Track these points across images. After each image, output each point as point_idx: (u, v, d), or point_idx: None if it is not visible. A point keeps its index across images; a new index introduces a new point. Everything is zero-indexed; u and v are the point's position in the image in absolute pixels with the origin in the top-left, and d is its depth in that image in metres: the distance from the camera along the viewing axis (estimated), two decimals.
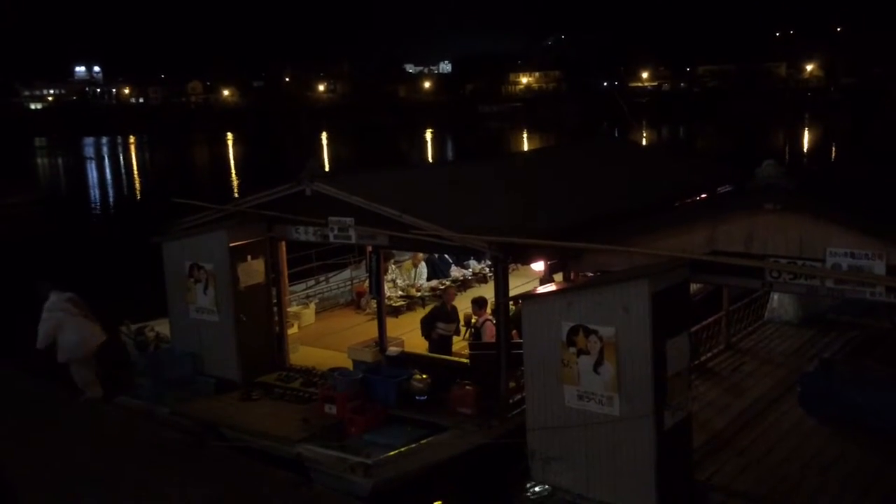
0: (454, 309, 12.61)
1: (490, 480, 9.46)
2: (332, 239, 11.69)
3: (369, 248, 13.89)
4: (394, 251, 15.35)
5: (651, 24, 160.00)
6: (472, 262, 16.59)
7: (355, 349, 11.93)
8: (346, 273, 16.65)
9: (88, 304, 12.09)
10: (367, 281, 14.84)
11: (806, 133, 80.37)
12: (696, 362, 11.36)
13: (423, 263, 16.22)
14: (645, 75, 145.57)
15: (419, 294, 15.39)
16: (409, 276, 16.07)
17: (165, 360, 12.16)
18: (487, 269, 16.13)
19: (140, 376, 11.91)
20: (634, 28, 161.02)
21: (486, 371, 10.34)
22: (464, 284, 16.12)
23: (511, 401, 10.19)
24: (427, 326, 12.26)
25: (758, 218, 8.05)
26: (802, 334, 13.29)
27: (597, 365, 8.04)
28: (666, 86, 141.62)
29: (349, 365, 11.63)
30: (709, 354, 12.27)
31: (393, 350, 11.68)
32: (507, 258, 10.08)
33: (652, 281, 7.75)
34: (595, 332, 8.00)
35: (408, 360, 11.34)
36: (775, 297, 13.71)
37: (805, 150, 64.34)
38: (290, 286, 15.07)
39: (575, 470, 8.34)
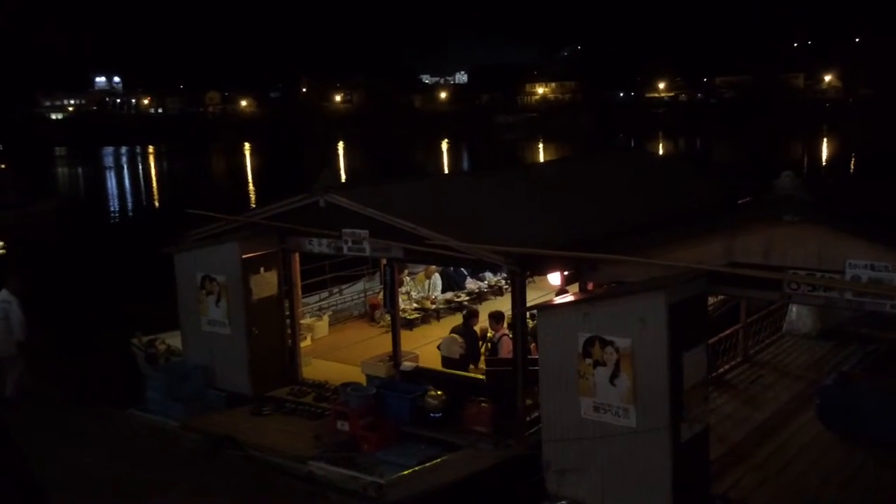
0: (473, 333, 12.22)
1: (506, 501, 9.31)
2: (345, 251, 11.54)
3: (384, 261, 13.81)
4: (408, 263, 15.22)
5: (667, 35, 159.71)
6: (488, 275, 16.40)
7: (369, 363, 11.77)
8: (360, 285, 16.56)
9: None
10: (381, 293, 14.73)
11: (824, 144, 79.86)
12: (714, 374, 11.27)
13: (436, 275, 16.07)
14: (661, 86, 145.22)
15: (434, 307, 15.22)
16: (422, 287, 16.00)
17: (176, 373, 11.98)
18: (504, 282, 15.96)
19: (150, 390, 11.73)
20: (651, 38, 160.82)
21: (502, 388, 10.12)
22: (479, 297, 15.94)
23: (528, 418, 9.91)
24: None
25: (776, 229, 7.99)
26: (821, 347, 13.16)
27: (613, 376, 7.99)
28: (683, 96, 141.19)
29: (362, 379, 11.48)
30: (726, 367, 12.17)
31: (407, 365, 11.46)
32: (523, 271, 9.92)
33: (669, 292, 7.71)
34: (611, 343, 7.96)
35: (422, 376, 11.14)
36: (794, 309, 13.59)
37: (823, 161, 63.93)
38: (303, 298, 14.98)
39: (590, 482, 8.28)
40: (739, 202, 14.75)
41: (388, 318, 14.42)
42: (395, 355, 11.61)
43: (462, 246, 10.05)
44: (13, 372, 11.58)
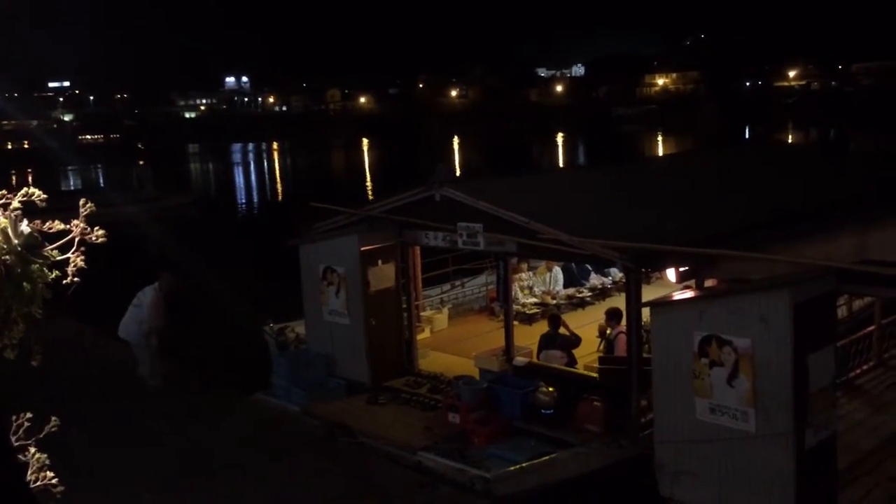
0: (565, 337, 11.82)
1: (618, 503, 9.12)
2: (460, 245, 11.57)
3: None
4: (522, 258, 15.10)
5: (797, 20, 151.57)
6: (613, 270, 15.72)
7: (482, 357, 11.79)
8: (482, 278, 16.54)
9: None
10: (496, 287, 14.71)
11: None
12: (843, 379, 10.62)
13: (557, 269, 15.77)
14: (791, 74, 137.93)
15: (554, 302, 14.93)
16: (543, 281, 15.79)
17: (300, 360, 12.43)
18: None
19: (276, 376, 12.23)
20: (779, 24, 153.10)
21: (616, 387, 9.89)
22: (602, 293, 15.51)
23: (643, 419, 9.62)
24: (538, 352, 11.81)
25: None
26: None
27: (731, 378, 7.67)
28: (815, 85, 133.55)
29: (476, 373, 11.51)
30: (857, 371, 11.45)
31: (520, 360, 11.38)
32: (638, 267, 9.63)
33: (794, 291, 7.32)
34: (729, 342, 7.64)
35: (535, 372, 11.03)
36: None
37: None
38: (424, 290, 15.23)
39: (707, 487, 7.99)
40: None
41: (532, 308, 14.45)
42: (508, 350, 11.60)
43: (574, 240, 9.91)
44: (145, 359, 12.09)
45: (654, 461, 8.40)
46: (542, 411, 10.17)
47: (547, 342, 11.77)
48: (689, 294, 9.12)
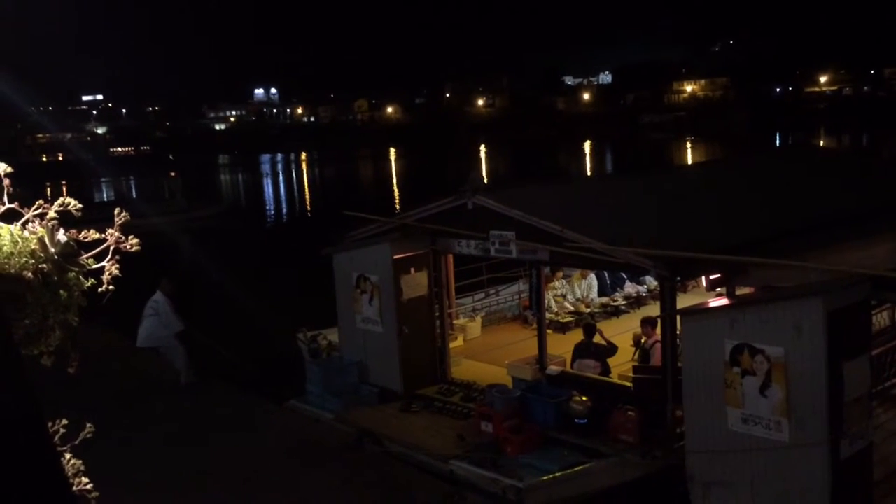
0: (599, 346, 11.73)
1: None
2: (493, 253, 11.54)
3: None
4: (555, 265, 14.99)
5: (828, 24, 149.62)
6: (648, 279, 15.54)
7: (515, 366, 11.72)
8: (516, 286, 16.44)
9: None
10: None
11: None
12: (879, 388, 10.41)
13: (592, 277, 15.67)
14: (823, 80, 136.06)
15: (588, 310, 14.84)
16: (578, 288, 15.65)
17: (333, 368, 12.51)
18: None
19: (309, 383, 12.34)
20: (810, 28, 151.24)
21: (650, 397, 9.77)
22: (637, 301, 15.38)
23: (678, 430, 9.44)
24: (571, 361, 11.74)
25: None
26: None
27: (763, 387, 7.56)
28: (847, 90, 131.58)
29: (510, 381, 11.45)
30: (894, 380, 11.21)
31: (553, 369, 11.31)
32: (673, 276, 9.48)
33: (828, 298, 7.20)
34: (762, 351, 7.54)
35: (568, 381, 10.97)
36: None
37: None
38: (458, 298, 15.25)
39: (739, 498, 7.87)
40: None
41: (566, 317, 14.37)
42: (541, 358, 11.53)
43: (606, 248, 9.84)
44: (177, 360, 12.63)
45: (685, 471, 8.29)
46: (576, 421, 10.09)
47: (581, 351, 11.70)
48: (721, 302, 9.02)
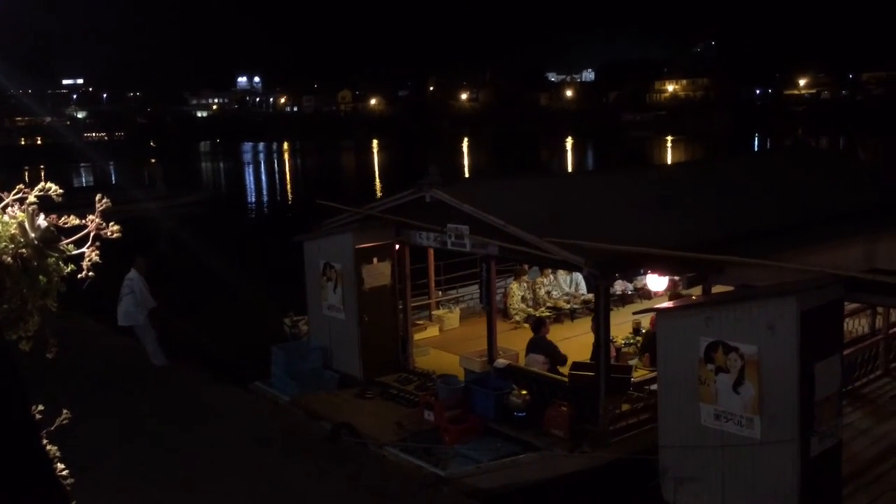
0: (550, 344, 11.79)
1: None
2: (449, 246, 11.75)
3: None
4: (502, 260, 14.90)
5: (808, 27, 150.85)
6: (642, 278, 15.54)
7: (466, 357, 11.91)
8: (503, 280, 16.54)
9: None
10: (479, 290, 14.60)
11: None
12: (849, 388, 10.60)
13: (578, 273, 15.78)
14: (802, 82, 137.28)
15: (568, 306, 14.89)
16: (564, 284, 15.60)
17: (296, 352, 12.72)
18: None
19: (274, 365, 12.54)
20: (790, 31, 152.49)
21: (584, 393, 9.89)
22: (622, 299, 15.29)
23: (612, 428, 9.64)
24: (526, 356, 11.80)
25: None
26: None
27: (737, 384, 7.67)
28: (825, 93, 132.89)
29: (461, 373, 11.59)
30: (864, 380, 11.41)
31: (501, 362, 11.41)
32: (604, 274, 9.37)
33: (801, 298, 7.32)
34: (736, 349, 7.65)
35: (513, 374, 11.05)
36: None
37: None
38: (440, 290, 15.42)
39: (710, 493, 7.99)
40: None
41: (521, 314, 14.46)
42: (490, 351, 11.63)
43: (537, 242, 9.85)
44: (148, 340, 12.63)
45: (659, 466, 8.40)
46: (515, 413, 10.22)
47: (532, 346, 11.81)
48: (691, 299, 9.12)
